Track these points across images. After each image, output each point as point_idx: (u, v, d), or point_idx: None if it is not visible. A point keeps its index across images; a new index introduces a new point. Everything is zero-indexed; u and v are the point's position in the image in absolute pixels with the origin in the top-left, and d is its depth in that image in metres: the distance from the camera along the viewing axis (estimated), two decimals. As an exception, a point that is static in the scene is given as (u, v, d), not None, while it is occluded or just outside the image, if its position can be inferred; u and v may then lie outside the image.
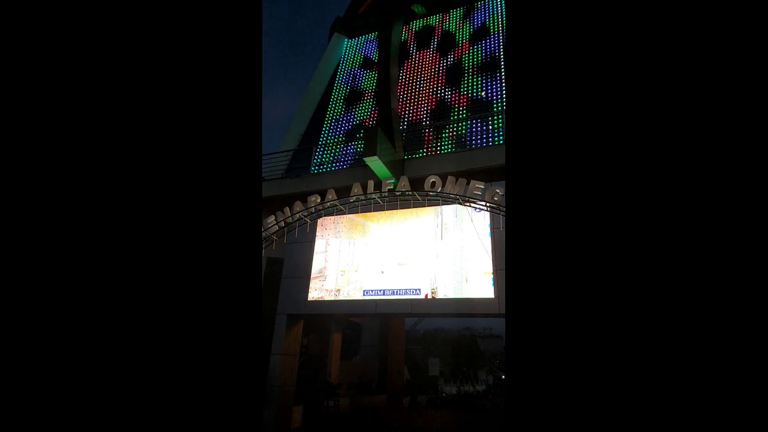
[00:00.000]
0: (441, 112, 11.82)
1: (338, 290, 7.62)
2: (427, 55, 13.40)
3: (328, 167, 12.09)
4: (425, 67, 13.11)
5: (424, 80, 12.78)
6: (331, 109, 13.83)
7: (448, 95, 12.00)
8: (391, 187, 7.62)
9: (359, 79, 14.13)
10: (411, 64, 13.42)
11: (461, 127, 10.91)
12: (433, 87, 12.43)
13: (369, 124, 12.43)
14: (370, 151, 8.26)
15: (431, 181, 7.23)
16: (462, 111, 11.40)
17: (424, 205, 7.49)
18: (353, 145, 12.25)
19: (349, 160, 12.03)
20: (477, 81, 11.69)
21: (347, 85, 14.19)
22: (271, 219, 8.19)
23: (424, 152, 10.73)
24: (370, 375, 12.62)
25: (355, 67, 14.55)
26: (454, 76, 12.27)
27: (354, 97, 13.66)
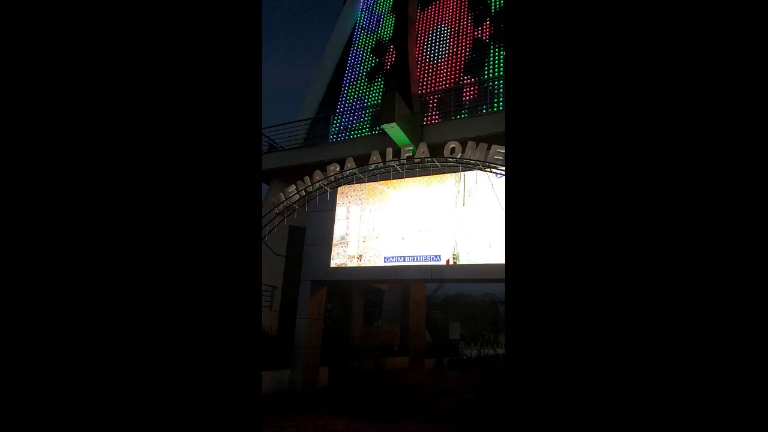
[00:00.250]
0: (469, 69, 11.34)
1: (359, 257, 7.76)
2: (449, 3, 12.61)
3: (346, 135, 12.01)
4: (448, 18, 12.40)
5: (446, 35, 12.15)
6: (348, 75, 13.55)
7: (473, 54, 11.47)
8: (410, 154, 7.53)
9: (380, 30, 13.58)
10: (433, 12, 12.70)
11: (490, 85, 10.51)
12: (457, 45, 11.88)
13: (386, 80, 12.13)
14: (389, 117, 8.13)
15: (451, 146, 7.09)
16: (490, 69, 10.92)
17: (443, 172, 7.41)
18: (371, 112, 12.05)
19: (367, 127, 11.88)
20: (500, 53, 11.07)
21: (364, 48, 13.77)
22: (292, 188, 8.29)
23: (456, 116, 10.46)
24: (392, 338, 13.03)
25: (371, 23, 14.02)
26: (480, 39, 11.65)
27: (377, 50, 13.18)
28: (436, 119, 10.55)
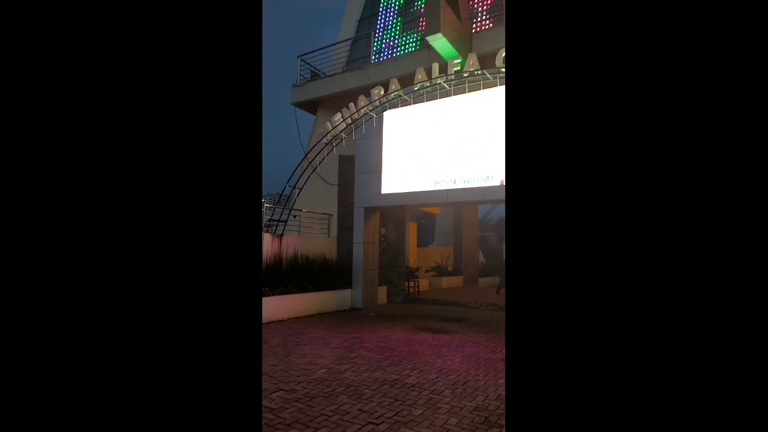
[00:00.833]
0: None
1: (409, 182, 7.73)
2: None
3: (389, 53, 11.31)
4: None
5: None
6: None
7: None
8: (458, 68, 6.98)
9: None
10: None
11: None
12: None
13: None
14: (433, 28, 7.45)
15: (504, 54, 6.43)
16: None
17: (495, 85, 6.83)
18: (414, 23, 11.10)
19: (412, 42, 11.04)
20: None
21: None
22: (338, 117, 8.18)
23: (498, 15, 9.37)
24: (446, 259, 13.40)
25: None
26: None
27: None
28: (486, 25, 9.50)
